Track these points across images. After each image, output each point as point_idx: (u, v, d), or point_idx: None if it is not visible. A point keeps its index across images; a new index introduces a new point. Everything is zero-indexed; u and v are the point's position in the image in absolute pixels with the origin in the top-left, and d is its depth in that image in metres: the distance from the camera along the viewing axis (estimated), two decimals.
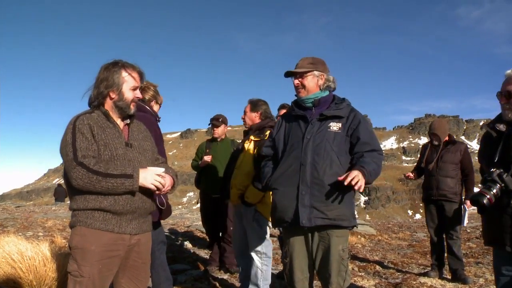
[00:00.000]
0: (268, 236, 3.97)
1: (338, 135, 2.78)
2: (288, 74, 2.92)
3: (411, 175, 5.54)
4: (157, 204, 2.47)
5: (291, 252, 2.85)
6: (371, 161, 2.68)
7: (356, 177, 2.51)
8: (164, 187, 2.29)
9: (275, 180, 2.87)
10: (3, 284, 3.48)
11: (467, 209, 5.22)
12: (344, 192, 2.68)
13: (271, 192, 3.87)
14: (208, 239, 5.58)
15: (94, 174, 2.10)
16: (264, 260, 3.86)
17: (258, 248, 3.86)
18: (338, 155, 2.75)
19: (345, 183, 2.52)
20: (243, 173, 3.85)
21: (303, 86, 2.88)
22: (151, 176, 2.22)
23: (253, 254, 3.88)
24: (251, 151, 3.85)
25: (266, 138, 3.72)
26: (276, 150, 3.00)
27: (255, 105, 4.05)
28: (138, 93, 2.40)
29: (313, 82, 2.88)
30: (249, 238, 3.92)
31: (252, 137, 3.93)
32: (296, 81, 2.89)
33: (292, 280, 2.85)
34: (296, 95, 2.96)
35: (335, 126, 2.79)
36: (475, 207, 2.50)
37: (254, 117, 4.03)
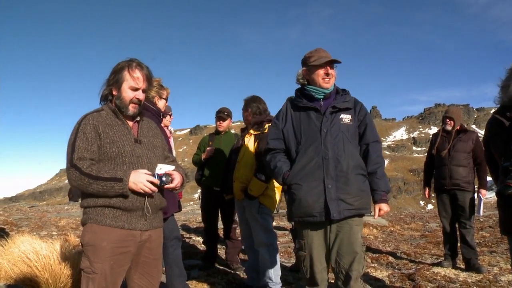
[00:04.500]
0: (272, 227, 4.00)
1: (351, 127, 2.82)
2: (332, 62, 2.82)
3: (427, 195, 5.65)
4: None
5: (310, 243, 2.85)
6: (381, 172, 2.82)
7: (385, 210, 2.79)
8: (156, 191, 2.26)
9: (295, 175, 2.81)
10: (20, 283, 3.53)
11: (482, 198, 5.17)
12: (365, 182, 2.81)
13: (275, 185, 3.91)
14: (205, 236, 5.45)
15: (86, 176, 2.12)
16: (271, 251, 3.88)
17: (264, 240, 3.87)
18: (354, 146, 2.83)
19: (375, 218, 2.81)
20: (246, 166, 3.92)
21: (332, 77, 2.85)
22: (142, 181, 2.18)
23: (260, 248, 3.90)
24: (252, 145, 3.95)
25: (265, 131, 3.82)
26: (286, 143, 2.93)
27: (245, 105, 4.24)
28: (139, 95, 2.35)
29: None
30: (254, 231, 3.95)
31: (252, 131, 4.03)
32: (332, 71, 2.84)
33: (312, 271, 2.85)
34: (316, 85, 2.86)
35: (346, 118, 2.82)
36: (488, 197, 2.47)
37: (246, 116, 4.21)
